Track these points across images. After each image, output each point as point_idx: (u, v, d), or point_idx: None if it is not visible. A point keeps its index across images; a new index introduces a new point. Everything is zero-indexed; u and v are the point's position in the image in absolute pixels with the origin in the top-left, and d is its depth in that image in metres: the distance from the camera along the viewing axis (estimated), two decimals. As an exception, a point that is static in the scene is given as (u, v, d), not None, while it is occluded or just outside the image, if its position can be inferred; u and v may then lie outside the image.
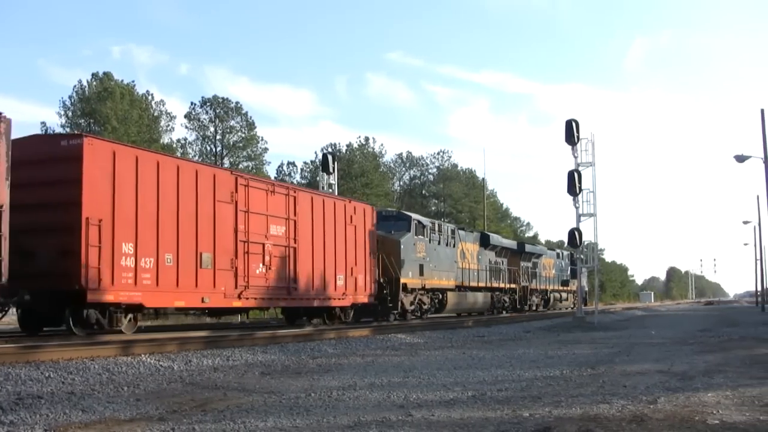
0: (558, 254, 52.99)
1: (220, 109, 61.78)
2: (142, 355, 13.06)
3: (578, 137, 31.12)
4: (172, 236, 18.24)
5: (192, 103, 67.05)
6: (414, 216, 31.08)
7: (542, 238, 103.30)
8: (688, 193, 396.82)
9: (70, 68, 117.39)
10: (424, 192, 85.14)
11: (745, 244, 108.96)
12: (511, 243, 44.07)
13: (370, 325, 24.86)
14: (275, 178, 63.51)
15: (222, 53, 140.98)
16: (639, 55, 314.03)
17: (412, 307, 29.54)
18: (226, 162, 59.91)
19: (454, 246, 33.87)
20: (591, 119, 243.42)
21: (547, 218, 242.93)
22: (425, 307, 30.97)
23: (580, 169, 30.99)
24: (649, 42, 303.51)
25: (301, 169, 70.77)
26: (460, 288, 33.95)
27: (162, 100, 59.86)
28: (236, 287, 20.31)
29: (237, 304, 20.76)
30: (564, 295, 52.22)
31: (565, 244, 40.85)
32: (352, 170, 67.17)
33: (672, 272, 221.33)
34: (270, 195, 21.99)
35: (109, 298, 16.68)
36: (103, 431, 6.85)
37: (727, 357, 14.21)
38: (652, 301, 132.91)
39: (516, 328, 26.12)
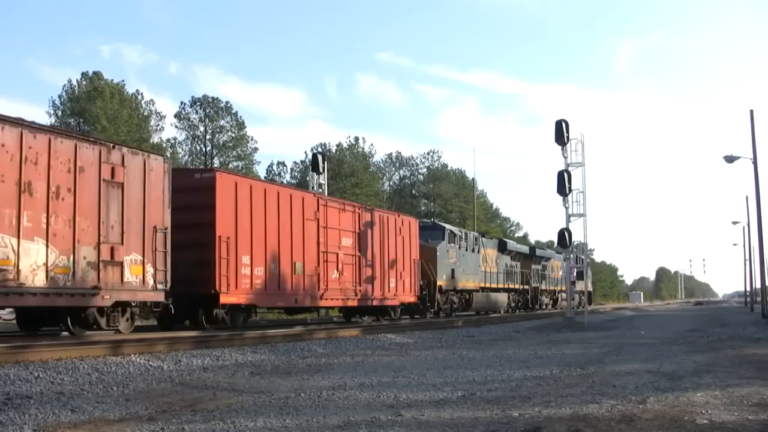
0: (565, 257, 52.25)
1: (210, 108, 61.73)
2: (132, 355, 13.02)
3: (568, 137, 31.21)
4: (275, 249, 22.27)
5: (182, 103, 67.20)
6: (447, 226, 35.78)
7: (532, 239, 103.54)
8: (677, 193, 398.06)
9: (59, 67, 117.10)
10: (414, 192, 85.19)
11: (735, 245, 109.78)
12: (523, 248, 47.69)
13: (360, 325, 25.05)
14: (265, 177, 63.47)
15: (212, 53, 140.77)
16: (628, 56, 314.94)
17: (446, 306, 34.09)
18: (216, 162, 59.81)
19: (477, 252, 38.35)
20: (580, 119, 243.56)
21: (536, 218, 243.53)
22: (455, 306, 35.38)
23: (569, 169, 31.07)
24: (638, 43, 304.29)
25: (291, 169, 70.85)
26: (482, 289, 38.31)
27: (152, 100, 59.90)
28: (319, 290, 24.41)
29: (319, 304, 25.29)
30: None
31: (555, 245, 41.59)
32: (342, 170, 67.17)
33: (661, 272, 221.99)
34: (341, 212, 26.26)
35: (233, 299, 20.70)
36: (93, 431, 6.83)
37: (716, 357, 14.26)
38: (642, 301, 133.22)
39: (506, 328, 26.15)
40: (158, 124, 59.23)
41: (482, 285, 38.37)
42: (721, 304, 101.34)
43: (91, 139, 18.09)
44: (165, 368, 11.97)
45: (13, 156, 14.81)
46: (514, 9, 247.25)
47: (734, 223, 63.08)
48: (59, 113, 53.97)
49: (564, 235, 31.50)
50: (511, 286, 43.35)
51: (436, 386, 9.97)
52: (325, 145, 71.38)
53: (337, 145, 72.13)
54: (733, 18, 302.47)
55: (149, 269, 17.91)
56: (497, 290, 40.72)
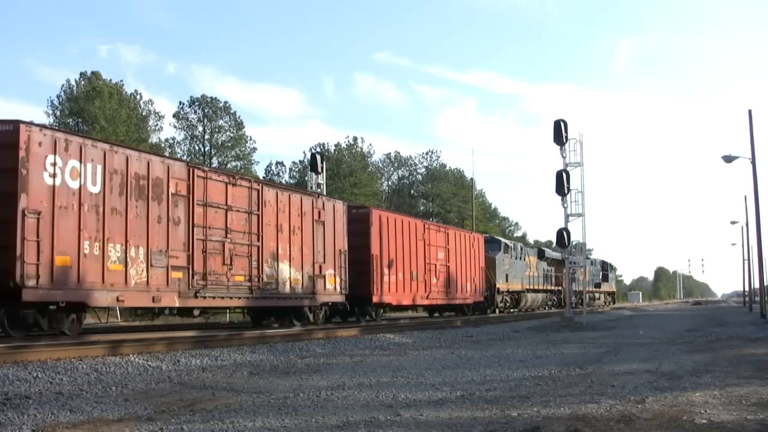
0: (592, 261, 63.18)
1: (209, 108, 61.67)
2: (131, 355, 13.02)
3: (566, 137, 31.18)
4: (402, 262, 29.87)
5: (180, 103, 67.11)
6: (502, 240, 44.43)
7: (530, 238, 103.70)
8: (676, 193, 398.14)
9: (57, 67, 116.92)
10: (412, 192, 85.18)
11: (733, 245, 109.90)
12: (557, 254, 52.43)
13: (358, 324, 25.11)
14: (264, 177, 63.48)
15: (209, 53, 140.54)
16: (626, 56, 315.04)
17: (501, 304, 42.00)
18: (215, 162, 59.80)
19: (523, 259, 46.31)
20: (578, 119, 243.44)
21: (535, 218, 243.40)
22: (508, 304, 43.44)
23: (568, 169, 31.05)
24: (636, 43, 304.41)
25: (290, 169, 70.82)
26: (527, 290, 46.23)
27: (150, 100, 59.66)
28: (426, 291, 32.14)
29: (425, 302, 32.98)
30: (596, 295, 64.26)
31: (554, 244, 42.34)
32: (340, 170, 67.16)
33: (660, 272, 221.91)
34: (437, 233, 34.14)
35: (381, 300, 28.35)
36: (91, 431, 6.83)
37: (714, 357, 14.27)
38: (640, 301, 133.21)
39: (505, 327, 26.16)
40: (157, 124, 59.21)
41: (527, 287, 46.15)
42: (720, 304, 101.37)
43: (308, 192, 26.80)
44: (164, 368, 11.97)
45: (273, 207, 22.52)
46: (511, 9, 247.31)
47: (733, 222, 63.03)
48: (57, 113, 53.92)
49: (563, 235, 31.47)
50: (548, 287, 50.72)
51: (434, 386, 9.97)
52: (323, 145, 71.43)
53: (335, 145, 72.17)
54: (731, 18, 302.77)
55: (338, 280, 25.52)
56: (537, 291, 48.58)
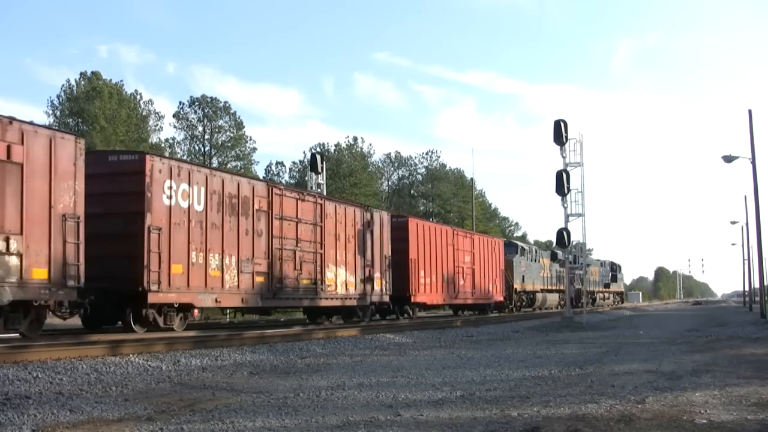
0: (601, 263, 69.41)
1: (209, 108, 61.70)
2: (131, 355, 13.01)
3: (566, 137, 31.18)
4: (434, 265, 32.81)
5: (180, 103, 67.14)
6: (519, 243, 47.90)
7: (531, 238, 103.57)
8: (676, 193, 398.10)
9: (56, 67, 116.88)
10: (412, 192, 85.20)
11: (733, 245, 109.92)
12: (584, 259, 57.02)
13: (358, 324, 25.11)
14: (264, 177, 63.51)
15: (209, 53, 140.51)
16: (626, 56, 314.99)
17: (518, 303, 45.32)
18: (215, 161, 59.82)
19: (538, 261, 49.60)
20: (578, 119, 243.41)
21: (535, 218, 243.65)
22: (524, 303, 46.85)
23: (568, 169, 31.04)
24: (635, 43, 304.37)
25: (290, 169, 70.83)
26: (542, 290, 49.50)
27: (150, 100, 59.72)
28: (454, 291, 35.10)
29: (454, 302, 36.41)
30: (605, 295, 68.98)
31: (554, 244, 42.70)
32: (340, 170, 67.19)
33: (660, 272, 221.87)
34: (464, 238, 37.20)
35: (419, 300, 31.49)
36: (91, 431, 6.83)
37: (714, 357, 14.27)
38: (640, 301, 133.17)
39: (504, 327, 26.16)
40: (157, 124, 59.27)
41: (541, 287, 49.47)
42: (720, 304, 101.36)
43: (360, 204, 29.41)
44: (164, 368, 11.96)
45: (333, 219, 25.44)
46: (511, 9, 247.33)
47: (733, 222, 63.01)
48: (57, 113, 53.95)
49: (563, 235, 31.48)
50: (560, 287, 52.13)
51: (434, 386, 9.97)
52: (323, 145, 71.45)
53: (335, 145, 72.21)
54: (730, 18, 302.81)
55: (383, 282, 28.49)
56: (551, 291, 51.68)
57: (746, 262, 63.19)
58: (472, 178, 79.76)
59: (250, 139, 63.34)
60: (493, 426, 6.96)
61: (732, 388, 9.36)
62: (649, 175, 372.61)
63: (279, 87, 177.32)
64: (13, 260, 14.46)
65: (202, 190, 19.64)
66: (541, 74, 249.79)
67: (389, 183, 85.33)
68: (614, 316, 43.34)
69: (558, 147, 31.34)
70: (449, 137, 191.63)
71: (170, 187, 18.53)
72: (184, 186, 19.03)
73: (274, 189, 22.77)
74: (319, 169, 35.31)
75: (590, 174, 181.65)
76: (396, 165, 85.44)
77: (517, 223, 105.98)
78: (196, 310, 21.01)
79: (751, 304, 56.11)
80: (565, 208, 31.21)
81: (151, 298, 17.89)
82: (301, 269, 23.45)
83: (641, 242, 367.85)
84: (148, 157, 18.25)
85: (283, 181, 64.71)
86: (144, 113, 57.59)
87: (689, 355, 14.76)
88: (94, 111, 51.26)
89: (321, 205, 24.86)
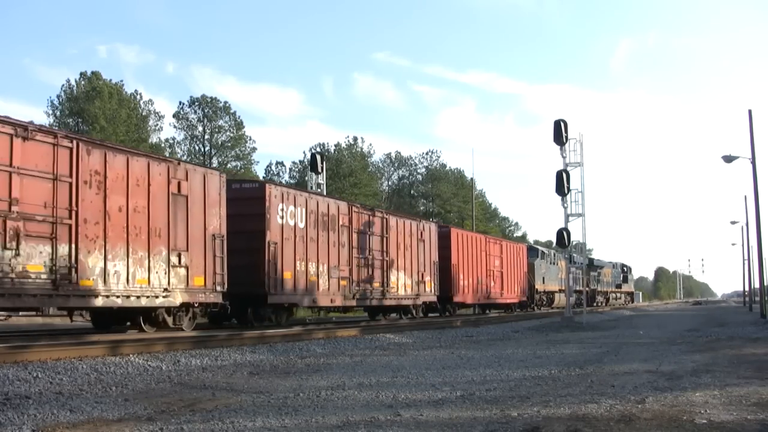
0: (614, 265, 74.67)
1: (209, 108, 61.70)
2: (131, 355, 13.01)
3: (567, 137, 31.16)
4: (471, 269, 37.34)
5: (180, 103, 67.14)
6: (540, 248, 52.48)
7: (530, 238, 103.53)
8: (676, 193, 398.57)
9: (56, 67, 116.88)
10: (412, 192, 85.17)
11: (733, 245, 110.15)
12: (585, 260, 61.13)
13: (359, 324, 25.12)
14: (263, 177, 63.54)
15: (208, 52, 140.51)
16: (625, 56, 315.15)
17: (539, 303, 49.51)
18: (215, 161, 59.82)
19: (556, 264, 53.47)
20: (578, 119, 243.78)
21: (535, 218, 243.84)
22: (544, 302, 50.91)
23: (568, 169, 31.03)
24: (635, 43, 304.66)
25: (290, 169, 70.82)
26: (560, 291, 52.46)
27: (150, 100, 59.67)
28: (487, 292, 39.34)
29: (486, 301, 40.32)
30: (617, 294, 74.33)
31: (554, 244, 42.95)
32: (340, 170, 67.18)
33: (660, 272, 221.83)
34: (494, 245, 41.74)
35: (457, 299, 35.92)
36: (91, 431, 6.83)
37: (714, 357, 14.27)
38: (641, 301, 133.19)
39: (504, 328, 26.16)
40: (157, 124, 59.27)
41: (559, 288, 52.77)
42: (720, 304, 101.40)
43: (415, 217, 35.44)
44: (164, 368, 11.96)
45: (395, 231, 29.92)
46: (510, 9, 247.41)
47: (733, 222, 63.09)
48: (57, 113, 53.96)
49: (563, 235, 31.47)
50: (578, 288, 56.26)
51: (434, 386, 9.97)
52: (323, 144, 71.43)
53: (335, 145, 72.17)
54: (730, 18, 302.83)
55: (432, 284, 32.94)
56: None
57: (746, 262, 63.27)
58: (472, 178, 79.84)
59: (250, 139, 63.43)
60: (493, 426, 6.96)
61: (732, 388, 9.36)
62: (649, 175, 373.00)
63: (278, 87, 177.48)
64: (182, 271, 18.81)
65: (303, 210, 23.88)
66: (541, 74, 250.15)
67: (389, 183, 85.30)
68: (614, 316, 43.36)
69: (558, 147, 31.32)
70: (449, 137, 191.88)
71: (282, 209, 22.80)
72: (291, 208, 23.28)
73: (353, 207, 27.38)
74: (319, 169, 35.31)
75: (590, 174, 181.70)
76: (396, 165, 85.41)
77: (517, 223, 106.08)
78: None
79: (751, 304, 56.12)
80: (565, 208, 31.20)
81: (270, 300, 22.24)
82: (372, 274, 27.93)
83: (641, 242, 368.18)
84: (267, 185, 22.72)
85: (284, 181, 64.74)
86: (144, 113, 57.60)
87: (689, 355, 14.76)
88: (94, 111, 51.27)
89: (386, 219, 29.49)
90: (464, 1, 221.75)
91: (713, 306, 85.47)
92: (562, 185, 30.81)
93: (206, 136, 62.04)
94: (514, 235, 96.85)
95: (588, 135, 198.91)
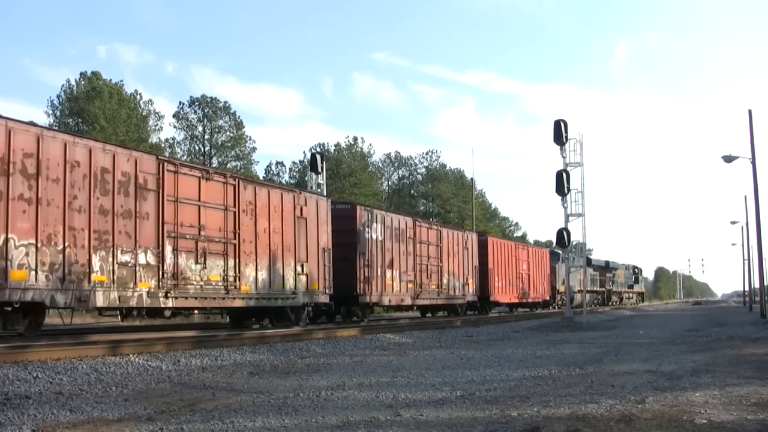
0: (626, 267, 79.21)
1: (209, 108, 61.63)
2: (131, 355, 13.02)
3: (566, 137, 31.15)
4: (504, 272, 42.15)
5: (180, 103, 67.09)
6: (560, 252, 51.79)
7: (531, 238, 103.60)
8: (676, 193, 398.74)
9: (55, 67, 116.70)
10: (412, 192, 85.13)
11: (733, 245, 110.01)
12: (601, 262, 68.87)
13: (358, 324, 25.13)
14: (264, 177, 63.51)
15: (208, 52, 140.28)
16: (625, 56, 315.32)
17: (560, 302, 52.27)
18: (215, 161, 59.81)
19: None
20: (578, 119, 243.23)
21: (535, 218, 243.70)
22: (564, 302, 51.46)
23: (568, 169, 31.02)
24: (634, 43, 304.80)
25: (290, 169, 70.78)
26: (579, 291, 54.57)
27: (150, 100, 59.52)
28: (516, 292, 44.08)
29: (515, 300, 44.79)
30: (630, 294, 78.99)
31: (554, 244, 43.18)
32: (340, 170, 67.13)
33: (660, 272, 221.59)
34: (523, 250, 47.12)
35: (494, 299, 40.63)
36: (91, 431, 6.83)
37: (714, 357, 14.27)
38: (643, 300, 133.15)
39: (505, 327, 26.17)
40: (157, 124, 59.18)
41: (579, 288, 55.17)
42: (720, 304, 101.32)
43: (462, 229, 40.38)
44: (164, 368, 11.97)
45: (446, 241, 34.85)
46: (510, 9, 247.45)
47: (733, 222, 63.01)
48: (57, 113, 53.93)
49: (563, 235, 31.46)
50: (595, 288, 62.54)
51: (434, 386, 9.97)
52: (323, 144, 71.39)
53: (335, 145, 72.13)
54: (729, 18, 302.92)
55: (475, 285, 37.66)
56: (587, 292, 58.51)
57: (746, 262, 63.23)
58: (472, 178, 79.83)
59: (250, 139, 63.32)
60: (493, 426, 6.96)
61: (732, 388, 9.35)
62: (649, 175, 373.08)
63: (278, 87, 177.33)
64: (304, 278, 23.56)
65: (381, 226, 28.86)
66: (540, 74, 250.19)
67: (389, 183, 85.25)
68: (614, 316, 43.36)
69: (558, 147, 31.31)
70: (448, 137, 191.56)
71: (367, 225, 27.68)
72: (373, 224, 28.27)
73: (416, 222, 32.48)
74: (319, 169, 35.25)
75: (590, 174, 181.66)
76: (396, 165, 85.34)
77: (517, 223, 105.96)
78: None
79: (751, 304, 56.11)
80: (565, 208, 31.20)
81: (360, 300, 27.21)
82: (431, 278, 32.83)
83: (641, 242, 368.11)
84: (357, 207, 27.82)
85: (283, 181, 64.72)
86: (144, 113, 57.52)
87: (689, 355, 14.76)
88: (94, 111, 51.22)
89: (440, 231, 34.57)
90: (464, 1, 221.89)
91: (713, 306, 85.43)
92: (562, 185, 30.80)
93: (206, 136, 61.98)
94: (514, 235, 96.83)
95: (588, 135, 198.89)
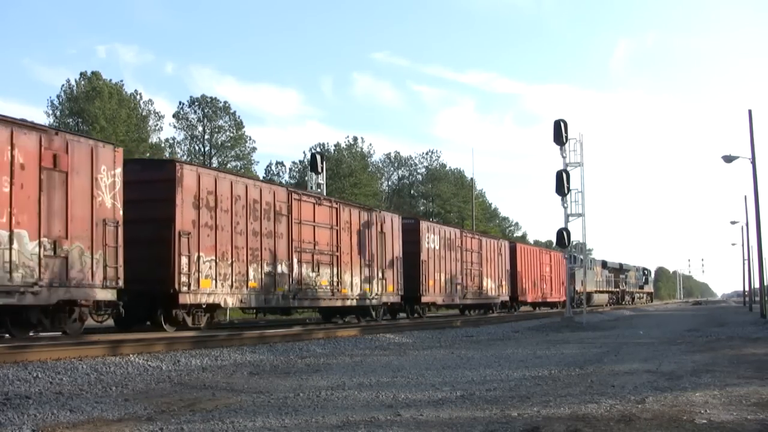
0: (636, 268, 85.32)
1: (209, 108, 61.64)
2: (131, 355, 13.01)
3: (567, 137, 31.15)
4: (530, 275, 47.43)
5: (180, 103, 67.12)
6: (579, 256, 56.73)
7: (531, 238, 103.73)
8: (676, 193, 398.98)
9: (55, 67, 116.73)
10: (412, 192, 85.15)
11: (733, 245, 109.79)
12: (616, 264, 74.29)
13: (358, 324, 25.15)
14: (264, 177, 63.49)
15: (207, 52, 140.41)
16: (624, 56, 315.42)
17: (578, 302, 53.56)
18: (215, 161, 59.79)
19: (592, 269, 61.86)
20: (577, 119, 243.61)
21: (535, 218, 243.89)
22: (582, 302, 57.33)
23: (568, 169, 31.02)
24: (633, 43, 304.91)
25: (290, 169, 70.79)
26: (596, 292, 62.20)
27: (150, 100, 59.55)
28: (540, 292, 49.24)
29: (539, 300, 49.78)
30: (640, 294, 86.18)
31: (554, 244, 43.24)
32: (340, 170, 67.16)
33: (660, 272, 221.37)
34: (546, 254, 52.20)
35: (523, 298, 46.45)
36: (91, 431, 6.83)
37: (714, 357, 14.27)
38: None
39: (505, 327, 26.16)
40: (157, 124, 59.18)
41: (596, 289, 62.62)
42: (720, 304, 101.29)
43: (497, 237, 46.85)
44: (164, 368, 11.96)
45: (486, 249, 40.25)
46: (509, 9, 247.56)
47: (733, 222, 63.01)
48: (57, 113, 53.91)
49: (563, 235, 31.47)
50: (610, 289, 69.38)
51: (434, 386, 9.97)
52: (323, 145, 71.39)
53: (335, 145, 72.15)
54: (729, 18, 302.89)
55: (507, 287, 43.29)
56: (602, 292, 66.46)
57: (746, 262, 63.22)
58: (472, 178, 79.88)
59: (250, 139, 63.35)
60: (493, 426, 6.96)
61: (732, 388, 9.35)
62: (649, 175, 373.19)
63: (277, 87, 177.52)
64: (383, 282, 28.98)
65: (437, 237, 33.81)
66: (540, 74, 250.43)
67: (389, 183, 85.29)
68: (614, 316, 43.33)
69: (558, 147, 31.33)
70: (448, 137, 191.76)
71: (427, 237, 32.80)
72: (431, 236, 33.26)
73: (463, 233, 38.02)
74: (319, 169, 35.32)
75: (590, 174, 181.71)
76: (396, 165, 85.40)
77: (517, 223, 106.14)
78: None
79: (751, 304, 56.08)
80: (565, 208, 31.21)
81: (423, 299, 32.43)
82: (474, 281, 38.11)
83: (641, 242, 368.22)
84: (420, 221, 33.35)
85: (284, 181, 64.72)
86: (144, 113, 57.51)
87: (689, 355, 14.76)
88: (94, 111, 51.21)
89: (481, 240, 39.99)
90: (463, 1, 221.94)
91: (713, 306, 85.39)
92: (562, 185, 30.81)
93: (206, 136, 62.00)
94: (514, 235, 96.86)
95: (588, 135, 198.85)
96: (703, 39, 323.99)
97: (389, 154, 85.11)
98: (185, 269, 18.94)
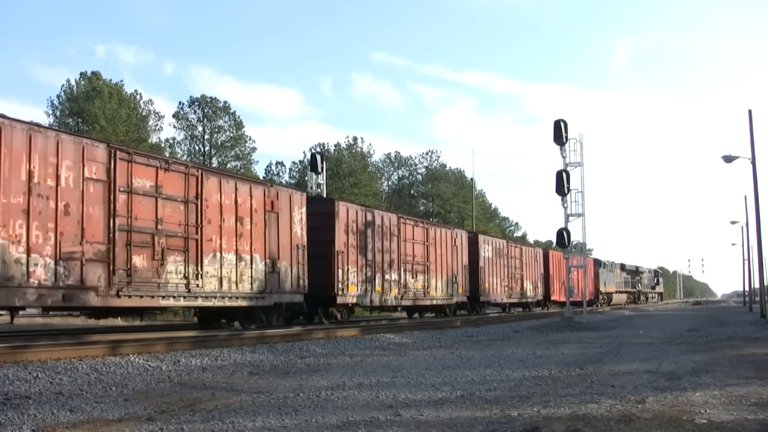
0: (649, 270, 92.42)
1: (209, 108, 61.54)
2: (131, 355, 13.02)
3: (566, 137, 31.11)
4: (557, 277, 51.80)
5: (180, 103, 66.98)
6: (601, 260, 65.76)
7: (530, 238, 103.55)
8: (676, 193, 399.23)
9: (54, 67, 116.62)
10: (412, 192, 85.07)
11: (733, 245, 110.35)
12: (633, 266, 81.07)
13: (358, 325, 25.14)
14: (263, 177, 63.47)
15: (207, 53, 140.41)
16: (623, 56, 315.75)
17: (602, 301, 62.96)
18: (215, 161, 59.75)
19: (612, 271, 69.32)
20: (577, 119, 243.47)
21: (535, 218, 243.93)
22: (604, 301, 63.96)
23: (568, 169, 30.99)
24: (633, 43, 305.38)
25: (290, 169, 70.73)
26: (615, 292, 68.70)
27: (150, 100, 59.36)
28: (571, 293, 42.87)
29: (563, 299, 46.69)
30: (652, 294, 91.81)
31: (554, 244, 43.22)
32: (340, 170, 67.06)
33: (660, 272, 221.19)
34: (572, 260, 48.18)
35: (554, 299, 52.11)
36: (91, 431, 6.83)
37: (714, 357, 14.27)
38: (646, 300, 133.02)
39: (505, 327, 26.14)
40: (157, 124, 59.09)
41: (616, 290, 69.12)
42: (720, 304, 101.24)
43: (530, 245, 58.17)
44: (164, 368, 11.96)
45: (520, 252, 46.25)
46: (509, 9, 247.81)
47: (733, 222, 63.07)
48: (57, 113, 53.87)
49: (563, 235, 31.44)
50: (628, 290, 75.64)
51: (434, 386, 9.97)
52: (323, 145, 71.32)
53: (335, 145, 72.07)
54: (729, 18, 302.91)
55: (540, 288, 48.14)
56: (621, 292, 72.26)
57: (746, 262, 63.28)
58: (472, 178, 79.82)
59: (250, 139, 63.21)
60: (493, 426, 6.96)
61: (732, 388, 9.36)
62: (649, 175, 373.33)
63: (277, 87, 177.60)
64: (456, 285, 35.02)
65: (490, 247, 40.07)
66: (539, 74, 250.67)
67: (389, 183, 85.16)
68: (614, 316, 43.33)
69: (558, 147, 31.28)
70: (447, 137, 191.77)
71: (483, 247, 38.94)
72: (485, 246, 39.42)
73: (509, 243, 44.56)
74: (319, 169, 35.27)
75: (590, 174, 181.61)
76: (396, 165, 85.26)
77: (517, 223, 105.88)
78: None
79: (751, 304, 56.07)
80: (565, 208, 31.18)
81: (481, 299, 38.56)
82: (517, 283, 43.80)
83: (641, 242, 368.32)
84: (478, 235, 39.90)
85: (284, 181, 64.71)
86: (144, 113, 57.44)
87: (689, 355, 14.75)
88: (94, 111, 51.14)
89: (521, 248, 46.07)
90: (463, 1, 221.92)
91: (713, 306, 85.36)
92: (562, 185, 30.77)
93: (206, 136, 61.91)
94: (514, 235, 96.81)
95: (588, 135, 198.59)
96: (703, 39, 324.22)
97: (389, 154, 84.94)
98: (340, 278, 25.72)
